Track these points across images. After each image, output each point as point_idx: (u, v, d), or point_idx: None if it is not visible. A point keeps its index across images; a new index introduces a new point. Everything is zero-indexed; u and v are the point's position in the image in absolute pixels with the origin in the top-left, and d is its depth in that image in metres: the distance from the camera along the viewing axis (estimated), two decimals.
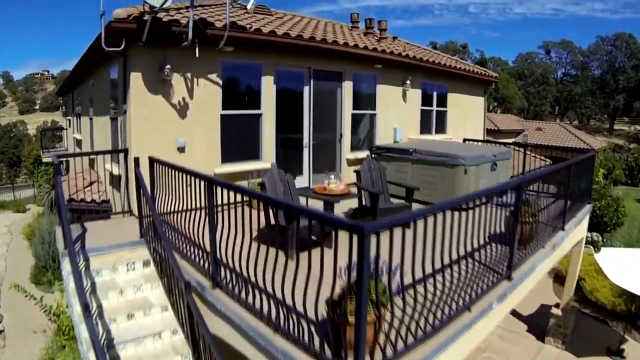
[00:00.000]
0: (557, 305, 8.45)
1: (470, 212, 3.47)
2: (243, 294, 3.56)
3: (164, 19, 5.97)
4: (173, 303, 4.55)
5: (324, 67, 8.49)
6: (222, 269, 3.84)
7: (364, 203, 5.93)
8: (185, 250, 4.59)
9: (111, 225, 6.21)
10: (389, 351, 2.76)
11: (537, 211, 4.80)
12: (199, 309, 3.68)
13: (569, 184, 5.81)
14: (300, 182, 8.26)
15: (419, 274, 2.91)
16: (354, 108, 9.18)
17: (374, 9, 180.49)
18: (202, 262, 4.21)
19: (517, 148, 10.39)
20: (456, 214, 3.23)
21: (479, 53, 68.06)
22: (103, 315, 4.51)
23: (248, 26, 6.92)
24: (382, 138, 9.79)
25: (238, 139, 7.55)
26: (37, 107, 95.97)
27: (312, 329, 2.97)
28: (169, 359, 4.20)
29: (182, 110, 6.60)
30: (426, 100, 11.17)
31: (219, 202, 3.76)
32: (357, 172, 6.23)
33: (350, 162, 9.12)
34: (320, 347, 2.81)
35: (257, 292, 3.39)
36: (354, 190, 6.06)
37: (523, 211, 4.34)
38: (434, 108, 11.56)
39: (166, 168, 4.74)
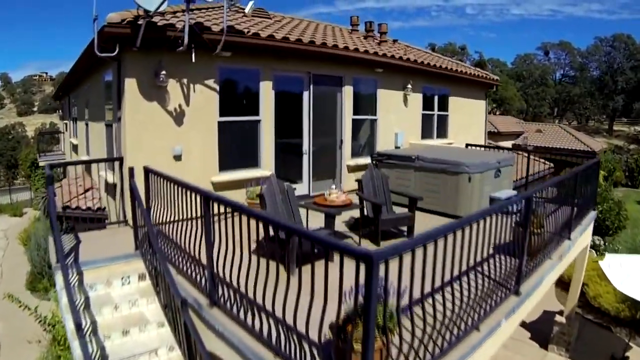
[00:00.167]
0: (560, 313, 8.34)
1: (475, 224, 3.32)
2: (242, 314, 3.40)
3: (159, 23, 5.82)
4: (169, 319, 4.40)
5: (324, 72, 8.34)
6: (220, 286, 3.69)
7: (366, 213, 5.77)
8: (181, 265, 4.43)
9: (106, 236, 6.05)
10: None
11: (544, 221, 4.66)
12: (197, 326, 3.52)
13: (576, 192, 5.68)
14: (300, 189, 8.11)
15: (426, 293, 2.76)
16: (355, 113, 9.04)
17: (372, 10, 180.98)
18: (198, 277, 4.06)
19: (521, 153, 10.26)
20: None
21: (478, 54, 68.12)
22: (97, 332, 4.39)
23: (246, 30, 6.78)
24: (383, 144, 9.65)
25: (236, 146, 7.39)
26: (35, 109, 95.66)
27: (315, 352, 2.82)
28: None
29: (178, 117, 6.44)
30: (427, 104, 11.04)
31: (216, 212, 3.61)
32: (358, 181, 6.06)
33: (351, 169, 8.97)
34: None
35: (256, 312, 3.24)
36: (356, 200, 5.90)
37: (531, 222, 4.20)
38: (435, 112, 11.43)
39: (161, 180, 4.58)
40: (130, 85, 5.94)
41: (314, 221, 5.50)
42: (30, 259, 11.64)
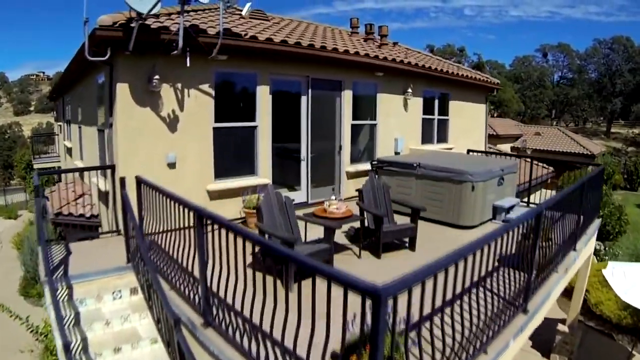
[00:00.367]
0: (562, 321, 8.22)
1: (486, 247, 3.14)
2: (237, 337, 3.22)
3: (152, 26, 5.60)
4: (162, 335, 4.22)
5: (323, 76, 8.15)
6: (215, 307, 3.50)
7: (367, 225, 5.59)
8: (174, 280, 4.24)
9: (97, 247, 5.85)
10: None
11: (552, 234, 4.51)
12: (191, 346, 3.34)
13: (582, 202, 5.53)
14: (298, 196, 7.92)
15: (435, 318, 2.61)
16: (354, 118, 8.84)
17: (370, 11, 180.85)
18: (192, 295, 3.87)
19: (522, 157, 10.10)
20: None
21: (477, 56, 68.08)
22: (87, 350, 4.22)
23: (243, 33, 6.58)
24: (383, 149, 9.47)
25: (232, 153, 7.19)
26: (32, 108, 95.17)
27: None
28: None
29: (172, 123, 6.23)
30: (427, 108, 10.86)
31: (210, 226, 3.41)
32: (359, 190, 5.86)
33: (350, 175, 8.79)
34: None
35: (252, 334, 3.06)
36: (356, 209, 5.71)
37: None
38: (436, 116, 11.25)
39: (154, 191, 4.39)
40: (123, 90, 5.73)
41: (313, 232, 5.32)
42: (23, 264, 11.40)
